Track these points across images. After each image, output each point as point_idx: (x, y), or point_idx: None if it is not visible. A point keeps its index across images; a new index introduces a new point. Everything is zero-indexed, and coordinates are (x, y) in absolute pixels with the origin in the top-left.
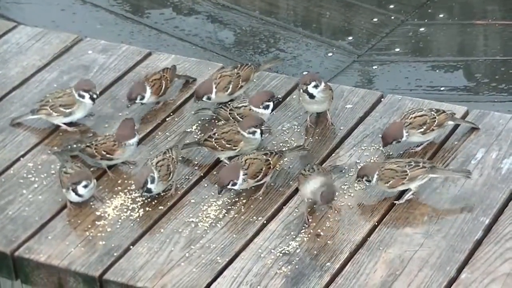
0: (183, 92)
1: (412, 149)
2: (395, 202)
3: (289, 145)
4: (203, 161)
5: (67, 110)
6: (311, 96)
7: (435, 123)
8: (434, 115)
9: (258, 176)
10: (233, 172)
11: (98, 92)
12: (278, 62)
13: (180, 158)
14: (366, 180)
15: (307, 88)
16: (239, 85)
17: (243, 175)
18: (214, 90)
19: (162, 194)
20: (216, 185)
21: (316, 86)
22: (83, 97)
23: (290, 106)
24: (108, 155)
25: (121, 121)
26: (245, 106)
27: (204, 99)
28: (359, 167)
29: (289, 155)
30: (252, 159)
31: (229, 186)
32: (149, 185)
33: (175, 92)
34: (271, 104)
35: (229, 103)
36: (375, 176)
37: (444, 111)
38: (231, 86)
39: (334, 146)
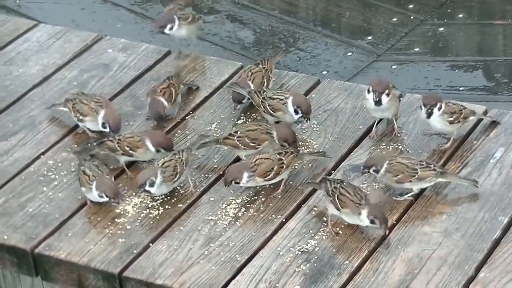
0: (202, 91)
1: (441, 146)
2: (394, 198)
3: (307, 144)
4: (222, 159)
5: (80, 117)
6: (379, 103)
7: (462, 115)
8: (461, 107)
9: (269, 175)
10: (238, 171)
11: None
12: (283, 54)
13: (195, 159)
14: (374, 171)
15: (380, 96)
16: (270, 78)
17: (249, 175)
18: (252, 88)
19: (181, 192)
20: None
21: (388, 95)
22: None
23: None
24: (130, 151)
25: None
26: (280, 99)
27: (244, 101)
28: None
29: (307, 158)
30: (263, 159)
31: (232, 184)
32: (147, 188)
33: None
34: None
35: (264, 90)
36: (385, 166)
37: (466, 107)
38: (265, 81)
39: (353, 144)
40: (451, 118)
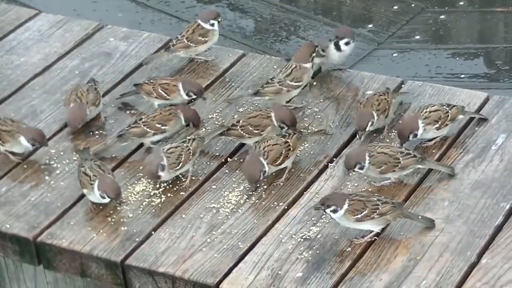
0: (204, 79)
1: (423, 143)
2: (373, 183)
3: (309, 131)
4: (224, 147)
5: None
6: None
7: (448, 117)
8: (446, 109)
9: (278, 161)
10: (257, 163)
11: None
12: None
13: (201, 150)
14: (359, 168)
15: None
16: None
17: (266, 163)
18: None
19: (183, 180)
20: (238, 171)
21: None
22: None
23: (311, 93)
24: (163, 127)
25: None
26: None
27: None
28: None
29: (310, 139)
30: (271, 145)
31: (261, 178)
32: (160, 173)
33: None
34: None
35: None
36: (367, 159)
37: (454, 105)
38: None
39: (354, 132)
40: (437, 125)
